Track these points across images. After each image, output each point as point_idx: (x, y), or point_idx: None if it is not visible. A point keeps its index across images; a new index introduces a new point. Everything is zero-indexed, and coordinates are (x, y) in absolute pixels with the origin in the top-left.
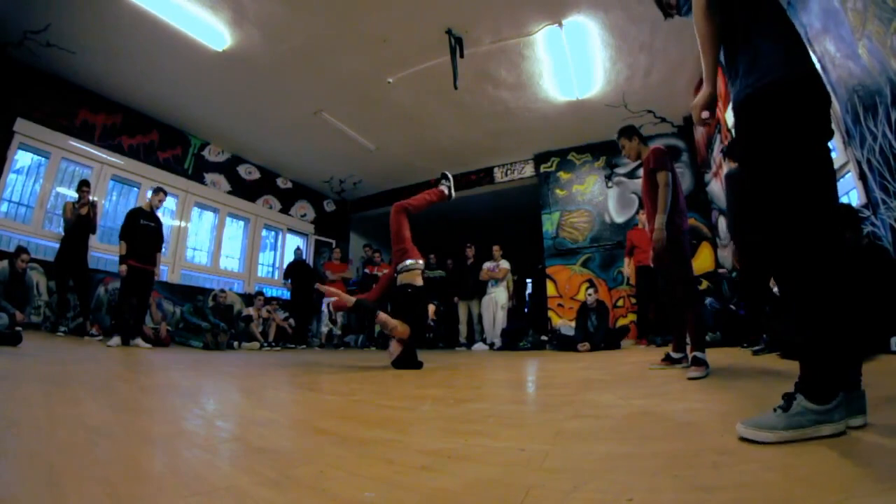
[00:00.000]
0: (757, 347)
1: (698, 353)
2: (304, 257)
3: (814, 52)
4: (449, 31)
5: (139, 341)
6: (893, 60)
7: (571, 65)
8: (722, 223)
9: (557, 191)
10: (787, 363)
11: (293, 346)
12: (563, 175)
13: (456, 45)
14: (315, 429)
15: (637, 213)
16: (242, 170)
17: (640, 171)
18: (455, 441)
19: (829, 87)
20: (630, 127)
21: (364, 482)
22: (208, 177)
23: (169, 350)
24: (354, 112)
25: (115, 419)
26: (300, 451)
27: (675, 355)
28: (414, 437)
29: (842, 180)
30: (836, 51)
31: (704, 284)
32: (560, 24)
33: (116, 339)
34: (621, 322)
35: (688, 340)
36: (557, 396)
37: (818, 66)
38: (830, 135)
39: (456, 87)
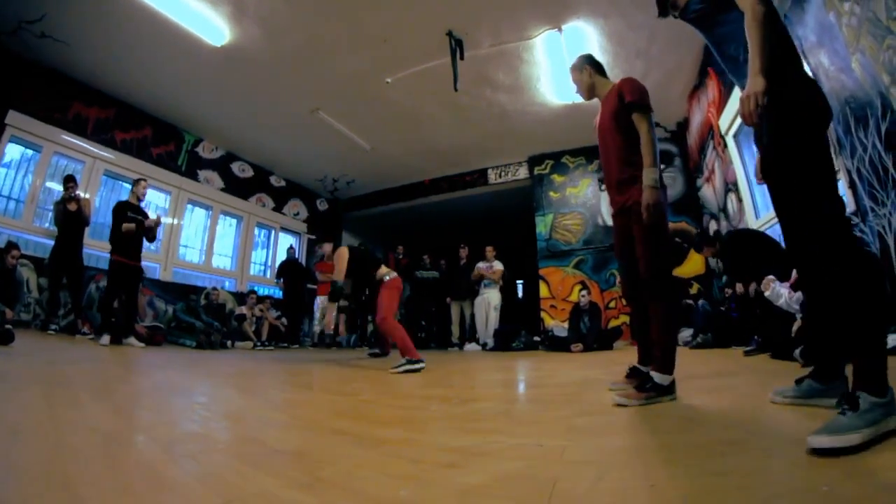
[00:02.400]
0: (748, 348)
1: (655, 375)
2: (297, 256)
3: (808, 63)
4: (450, 33)
5: (132, 340)
6: (885, 75)
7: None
8: (713, 227)
9: (551, 193)
10: (777, 363)
11: (286, 345)
12: (556, 178)
13: (456, 47)
14: (329, 429)
15: None
16: (236, 167)
17: None
18: (472, 438)
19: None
20: (583, 56)
21: (394, 481)
22: (202, 174)
23: (162, 349)
24: (351, 111)
25: (123, 423)
26: (321, 452)
27: (642, 368)
28: (430, 435)
29: None
30: (829, 63)
31: (696, 288)
32: (560, 29)
33: (107, 338)
34: (613, 323)
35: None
36: (561, 395)
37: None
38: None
39: (456, 90)
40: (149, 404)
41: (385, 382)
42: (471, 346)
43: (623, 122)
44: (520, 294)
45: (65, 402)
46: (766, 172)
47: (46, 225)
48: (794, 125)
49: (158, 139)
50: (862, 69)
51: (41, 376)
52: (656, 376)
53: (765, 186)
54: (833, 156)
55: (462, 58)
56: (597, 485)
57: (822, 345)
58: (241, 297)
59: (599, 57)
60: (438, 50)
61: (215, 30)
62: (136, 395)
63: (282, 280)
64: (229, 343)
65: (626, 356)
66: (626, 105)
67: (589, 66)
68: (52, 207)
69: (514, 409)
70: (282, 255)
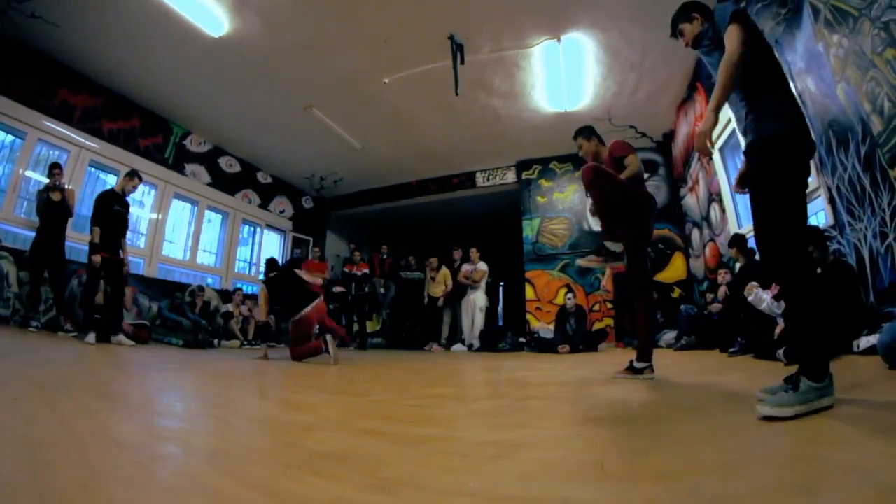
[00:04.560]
0: (732, 349)
1: (635, 361)
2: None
3: (795, 87)
4: (451, 37)
5: (121, 338)
6: (866, 103)
7: (564, 78)
8: (695, 235)
9: (538, 198)
10: (760, 362)
11: (273, 344)
12: (544, 183)
13: (457, 51)
14: (361, 430)
15: None
16: (223, 162)
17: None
18: (504, 433)
19: (808, 121)
20: (589, 127)
21: (456, 475)
22: (189, 167)
23: (150, 348)
24: (345, 110)
25: (145, 432)
26: (369, 453)
27: (637, 364)
28: (464, 431)
29: (812, 203)
30: (815, 89)
31: (677, 292)
32: (559, 40)
33: (92, 336)
34: (598, 326)
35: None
36: (567, 392)
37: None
38: (808, 174)
39: (457, 94)
40: (164, 410)
41: (388, 382)
42: (457, 347)
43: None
44: (501, 296)
45: (73, 410)
46: (748, 184)
47: (22, 215)
48: (771, 156)
49: (146, 130)
50: (846, 96)
51: (38, 380)
52: (636, 363)
53: (747, 198)
54: (815, 175)
55: (462, 62)
56: (638, 464)
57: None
58: (225, 295)
59: (595, 68)
60: (438, 53)
61: (214, 20)
62: (146, 400)
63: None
64: (216, 342)
65: (613, 357)
66: (616, 160)
67: (595, 137)
68: (34, 197)
69: (529, 406)
70: (267, 253)
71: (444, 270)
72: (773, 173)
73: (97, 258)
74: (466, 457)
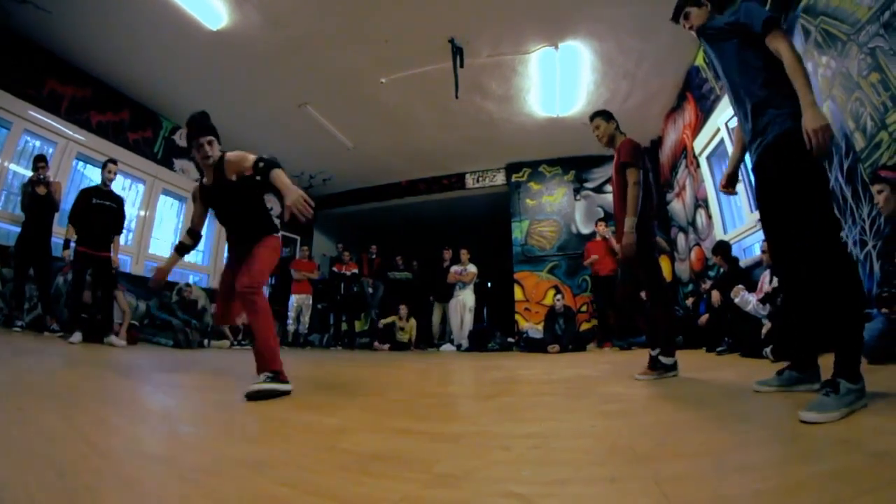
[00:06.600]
0: (720, 348)
1: (661, 357)
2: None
3: None
4: (452, 41)
5: (113, 339)
6: (850, 121)
7: (559, 84)
8: (681, 239)
9: (527, 200)
10: (748, 360)
11: None
12: (533, 185)
13: (457, 54)
14: (396, 430)
15: (596, 224)
16: None
17: (608, 186)
18: (531, 426)
19: None
20: (609, 111)
21: (507, 466)
22: (178, 163)
23: (141, 349)
24: (340, 108)
25: (175, 443)
26: (413, 451)
27: (665, 360)
28: (493, 427)
29: None
30: None
31: None
32: (556, 47)
33: (77, 336)
34: (585, 326)
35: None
36: (573, 389)
37: None
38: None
39: (457, 97)
40: (183, 417)
41: (394, 382)
42: (446, 347)
43: (622, 175)
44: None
45: (88, 421)
46: (766, 188)
47: (17, 211)
48: (804, 153)
49: (136, 124)
50: (832, 115)
51: (39, 387)
52: (663, 359)
53: (734, 203)
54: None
55: (462, 65)
56: (663, 446)
57: (799, 340)
58: (213, 294)
59: (589, 75)
60: (437, 55)
61: (213, 12)
62: (160, 406)
63: (274, 279)
64: (206, 342)
65: (604, 356)
66: (621, 164)
67: (615, 122)
68: (18, 190)
69: (543, 402)
70: None
71: (412, 321)
72: (810, 165)
73: (67, 252)
74: (508, 449)
